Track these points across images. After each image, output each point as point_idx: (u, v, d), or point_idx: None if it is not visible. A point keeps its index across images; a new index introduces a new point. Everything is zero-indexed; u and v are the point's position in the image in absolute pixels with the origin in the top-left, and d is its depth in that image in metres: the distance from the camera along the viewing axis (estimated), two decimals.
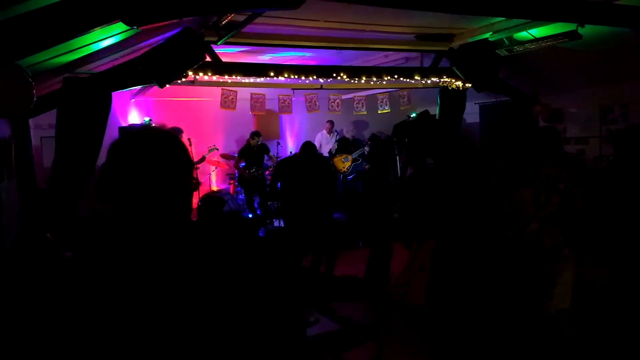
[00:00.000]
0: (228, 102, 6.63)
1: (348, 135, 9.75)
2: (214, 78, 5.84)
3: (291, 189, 5.75)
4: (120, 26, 3.87)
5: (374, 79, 6.64)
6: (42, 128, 7.04)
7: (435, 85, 7.14)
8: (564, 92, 7.41)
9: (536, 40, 5.77)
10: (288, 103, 7.12)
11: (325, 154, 9.56)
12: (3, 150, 4.75)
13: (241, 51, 6.61)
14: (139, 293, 1.11)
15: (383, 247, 5.23)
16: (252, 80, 6.26)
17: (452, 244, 3.29)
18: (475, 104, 8.79)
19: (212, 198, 4.51)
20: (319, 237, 5.58)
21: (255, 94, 6.91)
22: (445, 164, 3.52)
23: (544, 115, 7.57)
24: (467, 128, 9.06)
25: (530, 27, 5.50)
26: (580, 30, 5.16)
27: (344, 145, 9.50)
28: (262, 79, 6.20)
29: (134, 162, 1.16)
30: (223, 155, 9.22)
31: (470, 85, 6.92)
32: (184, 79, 5.56)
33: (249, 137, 8.75)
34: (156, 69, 4.86)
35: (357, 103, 7.78)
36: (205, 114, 9.20)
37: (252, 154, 8.65)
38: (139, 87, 6.55)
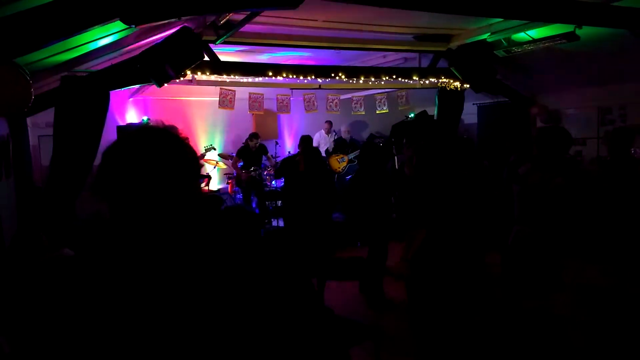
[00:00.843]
0: (226, 101, 6.63)
1: (345, 136, 9.75)
2: (212, 77, 5.84)
3: (292, 188, 5.77)
4: (118, 25, 3.86)
5: (373, 79, 6.65)
6: (39, 127, 7.03)
7: (433, 86, 7.15)
8: (562, 93, 7.42)
9: (534, 41, 5.79)
10: (286, 103, 7.11)
11: (323, 153, 9.57)
12: (1, 149, 4.74)
13: (239, 51, 6.61)
14: (139, 292, 1.11)
15: (378, 247, 5.22)
16: (250, 79, 6.26)
17: (442, 238, 3.30)
18: (474, 104, 8.80)
19: (210, 197, 4.51)
20: (318, 236, 5.59)
21: (254, 93, 6.91)
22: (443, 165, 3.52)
23: (541, 116, 7.59)
24: (465, 129, 9.08)
25: (528, 28, 5.51)
26: (578, 32, 5.18)
27: (340, 146, 9.51)
28: (260, 79, 6.21)
29: (133, 158, 1.15)
30: (221, 155, 9.21)
31: (468, 85, 6.93)
32: (182, 78, 5.55)
33: (247, 137, 8.75)
34: (154, 68, 4.86)
35: (355, 103, 7.78)
36: (203, 114, 9.20)
37: (250, 154, 8.65)
38: (137, 86, 6.55)
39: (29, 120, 5.45)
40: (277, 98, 7.10)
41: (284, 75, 6.07)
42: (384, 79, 6.67)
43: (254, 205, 8.76)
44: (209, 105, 8.29)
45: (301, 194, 5.35)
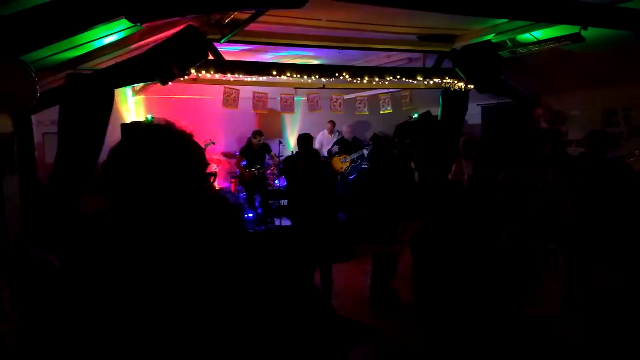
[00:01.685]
0: (230, 100, 6.63)
1: (347, 136, 9.70)
2: (217, 76, 5.85)
3: (294, 189, 5.77)
4: (123, 23, 3.88)
5: (376, 79, 6.63)
6: (44, 124, 7.03)
7: (437, 86, 7.13)
8: (566, 94, 7.39)
9: (539, 42, 5.76)
10: (290, 102, 7.11)
11: (326, 154, 9.56)
12: (6, 146, 4.76)
13: (244, 49, 6.60)
14: (139, 292, 1.10)
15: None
16: (254, 78, 6.26)
17: (437, 233, 3.32)
18: (477, 105, 8.77)
19: (215, 196, 4.50)
20: (324, 237, 5.57)
21: (258, 92, 6.91)
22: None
23: (546, 118, 7.57)
24: (469, 129, 9.05)
25: (533, 29, 5.49)
26: (584, 33, 5.16)
27: (343, 146, 9.49)
28: (264, 78, 6.21)
29: (139, 158, 1.15)
30: (224, 154, 9.21)
31: (472, 86, 6.91)
32: (186, 77, 5.56)
33: (250, 135, 8.74)
34: (159, 66, 4.87)
35: (359, 103, 7.78)
36: (207, 112, 9.18)
37: (253, 153, 8.65)
38: (141, 84, 6.56)
39: (33, 117, 5.47)
40: (281, 97, 7.09)
41: (288, 74, 6.07)
42: (388, 79, 6.65)
43: (256, 204, 8.77)
44: (213, 104, 8.29)
45: (302, 195, 5.34)
